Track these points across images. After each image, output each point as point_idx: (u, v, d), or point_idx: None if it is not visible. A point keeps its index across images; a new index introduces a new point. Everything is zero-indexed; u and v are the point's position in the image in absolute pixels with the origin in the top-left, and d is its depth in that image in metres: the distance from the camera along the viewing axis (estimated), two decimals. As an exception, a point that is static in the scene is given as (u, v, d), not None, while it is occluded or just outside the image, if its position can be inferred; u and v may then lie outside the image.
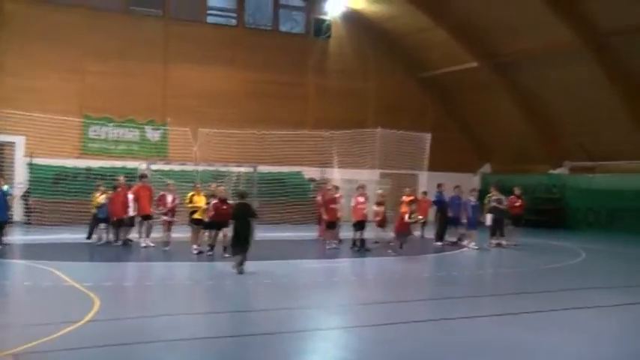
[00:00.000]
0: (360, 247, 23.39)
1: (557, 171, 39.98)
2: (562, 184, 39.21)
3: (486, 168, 44.25)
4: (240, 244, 17.24)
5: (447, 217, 26.77)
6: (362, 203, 23.93)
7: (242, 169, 29.19)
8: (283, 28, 40.71)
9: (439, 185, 28.10)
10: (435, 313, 12.92)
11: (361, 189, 24.67)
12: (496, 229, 26.18)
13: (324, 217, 24.44)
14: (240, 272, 16.90)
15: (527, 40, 35.73)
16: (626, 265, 23.12)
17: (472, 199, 26.37)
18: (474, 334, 11.17)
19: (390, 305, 13.67)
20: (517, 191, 27.47)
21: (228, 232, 19.40)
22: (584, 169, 38.82)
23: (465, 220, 25.95)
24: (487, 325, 11.90)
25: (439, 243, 26.42)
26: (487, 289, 17.05)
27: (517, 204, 27.12)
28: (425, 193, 29.67)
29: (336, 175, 32.40)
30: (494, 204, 26.20)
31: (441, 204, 27.40)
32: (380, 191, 25.61)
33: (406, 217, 22.59)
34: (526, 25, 34.88)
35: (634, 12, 30.75)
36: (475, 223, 26.07)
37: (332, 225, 24.35)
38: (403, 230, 22.68)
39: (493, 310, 13.29)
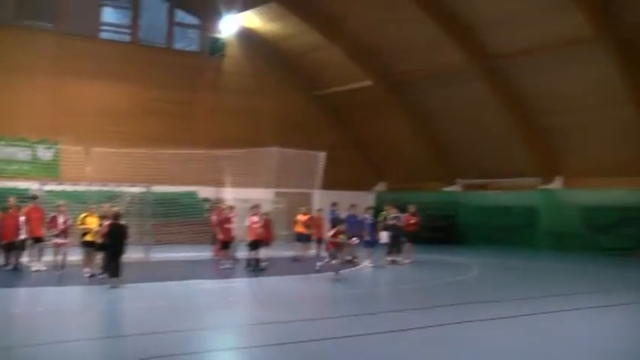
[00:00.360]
0: (255, 267, 23.22)
1: (451, 188, 40.70)
2: (455, 202, 39.91)
3: (381, 186, 44.68)
4: (116, 264, 18.12)
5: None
6: (256, 222, 23.75)
7: (135, 189, 28.51)
8: (177, 45, 40.33)
9: (334, 204, 28.15)
10: (331, 331, 12.84)
11: (255, 208, 24.50)
12: (393, 247, 26.40)
13: (219, 236, 24.19)
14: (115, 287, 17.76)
15: (421, 61, 36.41)
16: (516, 278, 23.62)
17: (368, 217, 26.54)
18: (366, 350, 11.13)
19: (286, 325, 13.53)
20: (412, 209, 27.70)
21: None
22: (476, 186, 39.65)
23: (367, 238, 26.09)
24: (380, 341, 11.89)
25: (334, 261, 26.33)
26: (384, 305, 17.09)
27: (412, 221, 27.35)
28: (320, 210, 29.64)
29: (231, 194, 32.17)
30: (393, 221, 26.44)
31: (335, 222, 27.36)
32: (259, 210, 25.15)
33: (335, 238, 22.18)
34: (420, 45, 35.53)
35: (521, 37, 31.81)
36: (373, 242, 26.24)
37: (226, 245, 24.12)
38: (333, 248, 22.04)
39: (387, 326, 13.29)
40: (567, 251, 32.93)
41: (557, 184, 36.25)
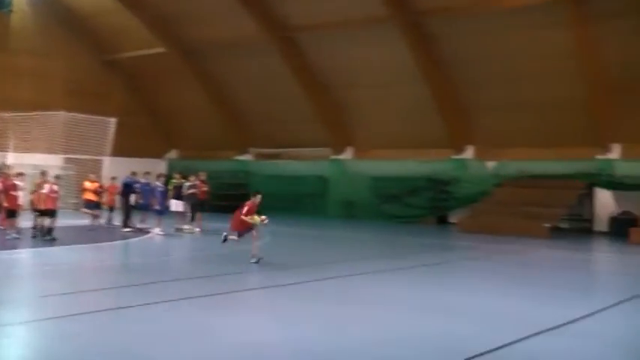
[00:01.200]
0: (45, 236, 22.34)
1: (243, 157, 40.95)
2: (247, 170, 40.20)
3: (173, 154, 44.23)
4: None
5: (130, 203, 26.46)
6: (48, 190, 22.80)
7: None
8: (-40, -1, 37.72)
9: (133, 173, 27.57)
10: (118, 301, 12.58)
11: (44, 175, 23.50)
12: (192, 215, 26.32)
13: (4, 204, 23.03)
14: None
15: (217, 30, 36.22)
16: (307, 245, 24.21)
17: (159, 185, 26.26)
18: (155, 320, 11.00)
19: (72, 296, 13.07)
20: (202, 176, 27.60)
21: None
22: (269, 155, 40.12)
23: (156, 207, 25.80)
24: (168, 310, 11.77)
25: (126, 229, 25.98)
26: (172, 274, 16.79)
27: (203, 189, 27.32)
28: (114, 178, 28.95)
29: (15, 159, 30.75)
30: (192, 190, 26.32)
31: (128, 189, 26.87)
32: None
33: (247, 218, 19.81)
34: (216, 14, 35.34)
35: (317, 11, 32.46)
36: (164, 209, 26.01)
37: (12, 213, 22.99)
38: (241, 228, 19.90)
39: (176, 294, 13.18)
40: (357, 219, 34.16)
41: (347, 154, 37.43)
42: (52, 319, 11.00)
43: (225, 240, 18.44)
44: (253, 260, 17.28)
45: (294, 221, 32.67)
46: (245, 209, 17.69)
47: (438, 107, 33.18)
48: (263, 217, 17.69)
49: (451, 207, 33.83)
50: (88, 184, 27.29)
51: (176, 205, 26.63)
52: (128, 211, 26.57)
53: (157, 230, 25.23)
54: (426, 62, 32.33)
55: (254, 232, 17.80)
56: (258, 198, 18.08)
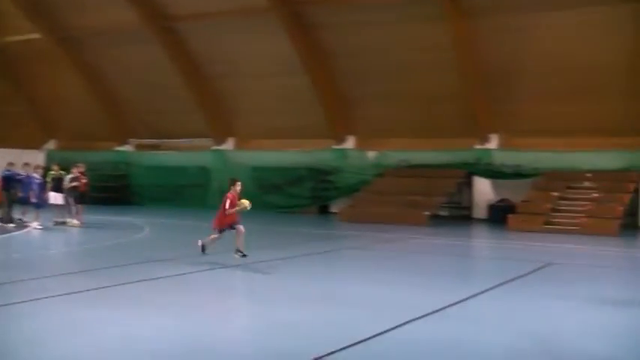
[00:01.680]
0: None
1: (123, 148, 40.16)
2: (128, 161, 39.50)
3: (52, 144, 42.94)
4: None
5: (14, 196, 25.43)
6: None
7: None
8: None
9: (10, 163, 26.45)
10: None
11: None
12: (74, 208, 25.61)
13: None
14: None
15: (96, 17, 35.51)
16: (188, 236, 23.88)
17: (37, 177, 25.37)
18: (38, 316, 10.66)
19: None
20: (81, 168, 26.80)
21: None
22: (150, 146, 39.49)
23: (34, 200, 24.91)
24: (55, 307, 11.43)
25: (10, 225, 24.86)
26: (53, 269, 16.45)
27: (83, 181, 26.58)
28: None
29: None
30: (75, 183, 25.57)
31: (9, 182, 25.74)
32: None
33: (233, 209, 16.64)
34: (95, 1, 34.49)
35: (198, 1, 32.17)
36: (42, 202, 25.17)
37: None
38: (223, 224, 16.87)
39: (60, 290, 12.81)
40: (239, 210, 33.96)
41: (229, 145, 37.21)
42: None
43: (203, 249, 16.90)
44: (238, 255, 16.09)
45: (175, 213, 32.28)
46: (228, 203, 16.22)
47: (319, 97, 33.40)
48: (245, 201, 16.46)
49: (332, 197, 34.15)
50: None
51: (55, 197, 25.79)
52: (11, 204, 25.48)
53: (34, 224, 24.39)
54: (306, 53, 32.48)
55: (239, 227, 16.27)
56: (238, 186, 16.57)
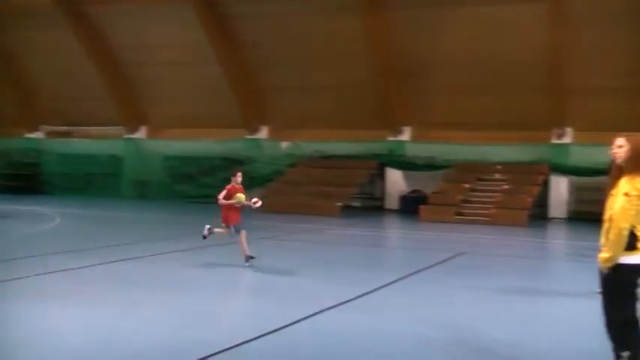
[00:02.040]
0: None
1: (34, 135, 39.26)
2: (38, 149, 38.61)
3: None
4: None
5: None
6: None
7: None
8: None
9: None
10: None
11: None
12: None
13: None
14: None
15: (4, -2, 34.42)
16: (99, 226, 23.58)
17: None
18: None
19: None
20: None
21: None
22: (61, 133, 38.72)
23: None
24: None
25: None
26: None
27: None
28: None
29: None
30: None
31: None
32: None
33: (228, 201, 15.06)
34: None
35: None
36: None
37: None
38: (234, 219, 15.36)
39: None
40: (151, 200, 33.67)
41: (141, 133, 36.78)
42: None
43: (206, 236, 15.58)
44: (249, 262, 14.69)
45: (86, 202, 31.73)
46: (223, 193, 14.93)
47: (233, 87, 33.34)
48: (255, 199, 15.30)
49: (246, 187, 33.86)
50: None
51: None
52: None
53: None
54: (220, 42, 32.37)
55: (242, 232, 14.92)
56: (239, 177, 15.19)
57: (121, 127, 36.63)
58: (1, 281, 12.53)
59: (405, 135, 31.79)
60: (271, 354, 8.26)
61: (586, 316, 9.96)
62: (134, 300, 11.19)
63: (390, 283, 13.10)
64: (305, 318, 9.88)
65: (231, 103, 33.46)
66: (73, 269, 14.03)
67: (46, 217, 25.13)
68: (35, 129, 39.48)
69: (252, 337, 8.74)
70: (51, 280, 13.03)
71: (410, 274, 14.18)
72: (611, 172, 6.70)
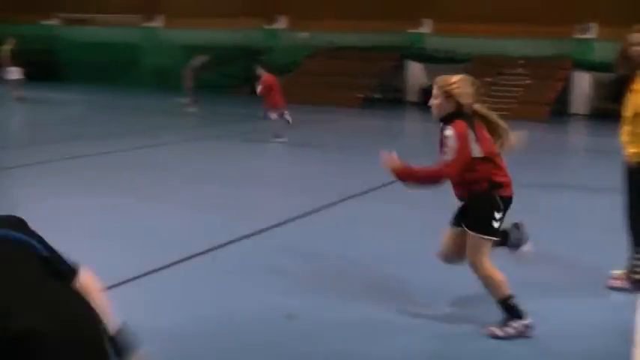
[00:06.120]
0: None
1: (49, 22, 38.76)
2: (56, 36, 38.16)
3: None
4: None
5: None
6: None
7: None
8: None
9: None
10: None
11: None
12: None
13: None
14: None
15: None
16: (115, 115, 23.64)
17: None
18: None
19: None
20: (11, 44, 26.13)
21: None
22: (76, 20, 38.24)
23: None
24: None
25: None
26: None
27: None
28: None
29: None
30: None
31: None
32: None
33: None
34: None
35: None
36: None
37: None
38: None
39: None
40: (172, 89, 33.46)
41: (158, 22, 36.28)
42: None
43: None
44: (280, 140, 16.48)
45: (104, 89, 31.64)
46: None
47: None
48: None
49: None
50: None
51: (15, 72, 25.51)
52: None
53: None
54: None
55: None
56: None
57: (138, 15, 36.10)
58: (23, 165, 12.64)
59: (426, 27, 31.28)
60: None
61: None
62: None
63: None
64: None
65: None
66: (89, 155, 14.09)
67: (65, 103, 25.20)
68: (50, 16, 38.94)
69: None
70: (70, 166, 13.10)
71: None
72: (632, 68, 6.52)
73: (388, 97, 31.93)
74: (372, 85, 30.55)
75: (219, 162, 14.12)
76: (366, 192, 11.07)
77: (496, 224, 5.49)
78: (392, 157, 5.59)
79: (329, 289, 6.67)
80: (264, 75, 17.34)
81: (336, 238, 8.51)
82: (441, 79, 5.80)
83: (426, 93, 24.94)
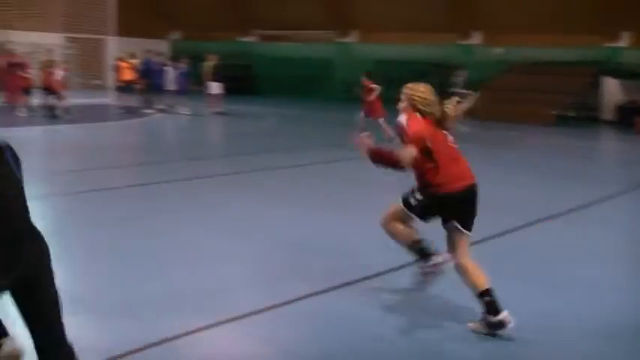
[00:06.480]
0: (52, 114, 22.45)
1: (246, 39, 40.41)
2: (251, 52, 39.77)
3: (176, 35, 43.45)
4: None
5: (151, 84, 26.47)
6: (58, 76, 22.83)
7: None
8: None
9: (148, 51, 27.83)
10: (138, 178, 12.79)
11: (49, 56, 23.55)
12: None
13: (19, 82, 23.02)
14: None
15: None
16: (313, 128, 24.32)
17: (183, 66, 27.13)
18: (158, 197, 11.26)
19: (90, 172, 13.25)
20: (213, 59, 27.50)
21: None
22: (272, 37, 39.58)
23: (173, 87, 26.50)
24: (184, 188, 12.02)
25: (150, 110, 25.88)
26: (191, 153, 17.12)
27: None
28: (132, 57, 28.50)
29: (17, 38, 30.17)
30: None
31: (148, 71, 26.77)
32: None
33: None
34: None
35: None
36: (182, 90, 26.87)
37: (25, 91, 23.11)
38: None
39: (190, 173, 13.43)
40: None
41: (352, 37, 36.98)
42: (66, 196, 11.11)
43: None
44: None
45: (299, 104, 32.58)
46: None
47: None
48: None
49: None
50: (123, 64, 27.20)
51: (216, 87, 26.82)
52: (150, 92, 26.56)
53: (184, 110, 26.04)
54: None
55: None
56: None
57: (332, 31, 37.00)
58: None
59: (623, 41, 30.17)
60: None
61: None
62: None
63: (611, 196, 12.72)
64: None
65: (443, 6, 32.91)
66: (283, 168, 14.66)
67: (266, 117, 26.38)
68: (248, 33, 40.58)
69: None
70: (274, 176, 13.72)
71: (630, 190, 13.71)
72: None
73: (582, 114, 30.99)
74: (566, 102, 29.77)
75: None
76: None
77: (413, 201, 6.09)
78: (363, 138, 6.10)
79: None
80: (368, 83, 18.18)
81: None
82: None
83: (623, 111, 24.21)
